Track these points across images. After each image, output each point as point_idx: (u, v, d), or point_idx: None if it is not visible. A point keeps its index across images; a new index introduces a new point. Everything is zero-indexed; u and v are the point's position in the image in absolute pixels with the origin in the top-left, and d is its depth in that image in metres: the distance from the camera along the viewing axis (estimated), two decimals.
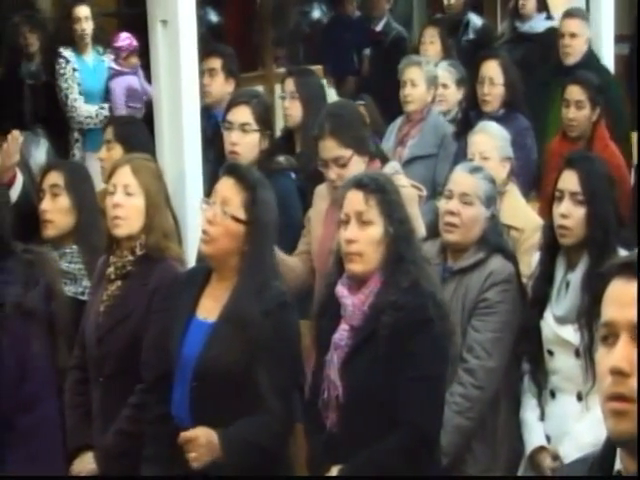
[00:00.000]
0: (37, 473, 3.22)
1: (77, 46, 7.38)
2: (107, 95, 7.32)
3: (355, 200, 3.42)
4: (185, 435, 3.38)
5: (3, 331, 3.10)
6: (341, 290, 3.45)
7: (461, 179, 4.13)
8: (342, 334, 3.42)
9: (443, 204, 4.10)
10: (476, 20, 8.33)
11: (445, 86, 6.54)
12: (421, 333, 3.33)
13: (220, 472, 3.41)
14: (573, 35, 6.81)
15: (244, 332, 3.44)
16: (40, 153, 5.42)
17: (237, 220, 3.52)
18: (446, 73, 6.56)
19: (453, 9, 8.38)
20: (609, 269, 1.93)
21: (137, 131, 5.17)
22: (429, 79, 6.25)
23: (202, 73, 5.90)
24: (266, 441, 3.47)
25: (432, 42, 7.38)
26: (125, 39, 7.30)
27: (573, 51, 6.80)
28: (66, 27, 7.41)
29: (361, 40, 8.83)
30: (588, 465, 2.00)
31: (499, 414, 4.02)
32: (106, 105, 7.23)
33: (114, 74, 7.28)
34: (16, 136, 4.59)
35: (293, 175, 5.01)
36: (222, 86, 5.91)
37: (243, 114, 4.74)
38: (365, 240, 3.40)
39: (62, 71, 7.29)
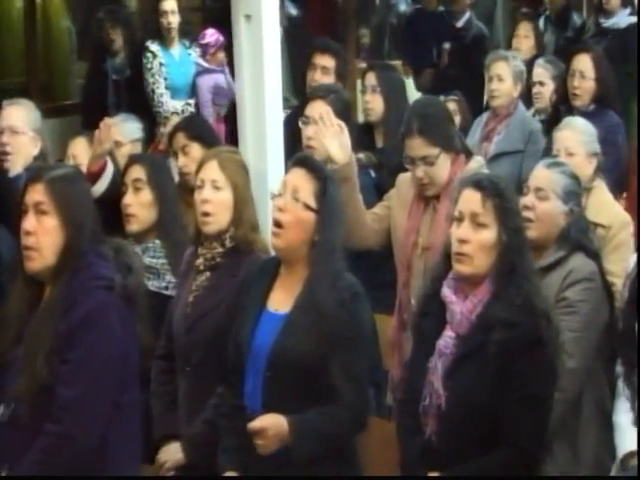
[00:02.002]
0: (133, 449, 3.33)
1: (164, 40, 7.41)
2: (193, 90, 7.34)
3: (472, 200, 3.38)
4: (254, 426, 3.40)
5: (115, 313, 3.19)
6: (449, 294, 3.41)
7: (537, 174, 4.10)
8: (447, 341, 3.38)
9: (521, 200, 4.04)
10: (576, 17, 8.25)
11: (542, 84, 6.45)
12: (533, 353, 3.28)
13: (287, 459, 3.41)
14: None
15: (319, 323, 3.45)
16: (135, 128, 5.53)
17: (308, 208, 3.53)
18: (542, 70, 6.46)
19: (555, 4, 8.29)
20: None
21: (204, 123, 5.24)
22: (516, 74, 6.20)
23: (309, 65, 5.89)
24: (337, 431, 3.48)
25: (527, 36, 7.34)
26: (212, 35, 7.31)
27: None
28: (153, 21, 7.45)
29: (441, 34, 8.79)
30: None
31: (581, 416, 3.96)
32: (192, 101, 7.26)
33: (201, 71, 7.30)
34: (108, 124, 4.61)
35: (372, 173, 4.97)
36: None
37: (319, 108, 4.72)
38: (477, 243, 3.35)
39: (149, 65, 7.33)
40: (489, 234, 3.36)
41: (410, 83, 8.83)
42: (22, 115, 4.81)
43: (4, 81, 8.30)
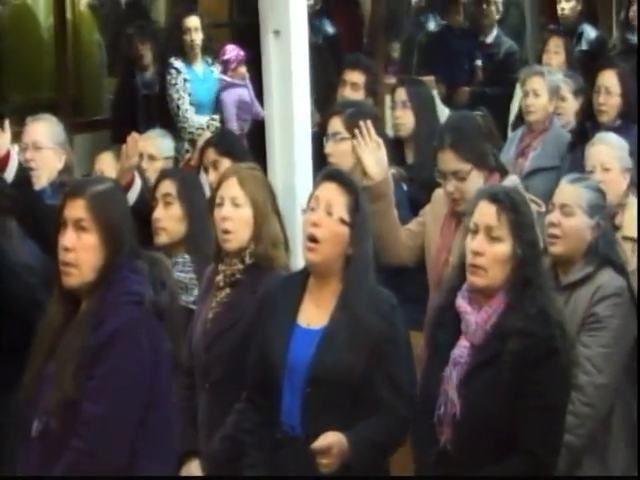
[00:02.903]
0: (164, 465, 3.28)
1: (187, 56, 7.44)
2: (217, 106, 7.37)
3: (487, 213, 3.38)
4: (319, 445, 3.39)
5: (144, 328, 3.16)
6: (463, 305, 3.41)
7: (561, 190, 4.10)
8: (462, 351, 3.39)
9: (547, 217, 4.05)
10: (590, 31, 8.25)
11: (563, 98, 6.43)
12: (547, 363, 3.29)
13: (343, 473, 3.42)
14: None
15: (360, 336, 3.46)
16: (170, 147, 5.57)
17: (343, 222, 3.53)
18: (563, 85, 6.45)
19: (567, 19, 8.28)
20: None
21: (234, 138, 5.26)
22: (552, 89, 6.18)
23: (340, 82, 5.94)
24: (389, 442, 3.51)
25: (556, 52, 7.33)
26: (232, 50, 7.33)
27: None
28: (176, 37, 7.49)
29: (472, 51, 8.79)
30: None
31: (611, 431, 3.94)
32: (217, 116, 7.29)
33: (225, 86, 7.32)
34: (135, 138, 4.64)
35: (405, 187, 4.97)
36: None
37: (335, 124, 4.76)
38: (491, 255, 3.36)
39: (173, 81, 7.36)
40: (504, 247, 3.36)
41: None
42: (45, 130, 4.84)
43: (34, 96, 8.36)
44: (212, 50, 7.55)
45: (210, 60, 7.52)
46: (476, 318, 3.38)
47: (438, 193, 4.43)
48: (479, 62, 8.68)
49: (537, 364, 3.28)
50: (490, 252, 3.36)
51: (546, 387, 3.28)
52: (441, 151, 4.23)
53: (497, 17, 8.89)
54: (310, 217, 3.57)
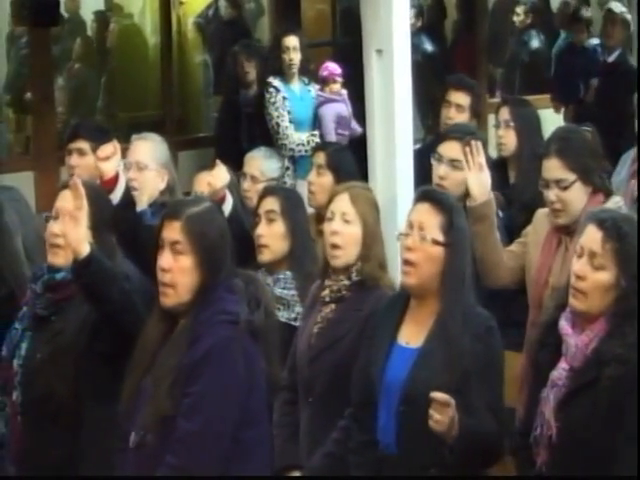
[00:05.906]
0: None
1: (285, 75, 7.50)
2: (315, 122, 7.40)
3: (593, 239, 3.30)
4: (440, 397, 3.30)
5: (238, 347, 3.19)
6: (565, 327, 3.36)
7: None
8: (561, 373, 3.34)
9: None
10: None
11: None
12: None
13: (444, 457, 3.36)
14: None
15: (454, 357, 3.43)
16: (275, 168, 5.60)
17: (436, 243, 3.52)
18: None
19: None
20: None
21: (348, 159, 5.27)
22: None
23: (443, 102, 5.90)
24: (487, 446, 3.42)
25: None
26: (325, 68, 7.36)
27: None
28: (276, 56, 7.56)
29: (591, 69, 8.68)
30: None
31: None
32: (317, 132, 7.32)
33: (323, 101, 7.35)
34: (219, 163, 4.70)
35: (500, 213, 4.92)
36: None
37: (453, 150, 4.68)
38: (593, 281, 3.28)
39: (272, 100, 7.40)
40: (606, 276, 3.28)
41: (559, 118, 8.76)
42: (148, 150, 4.85)
43: (141, 114, 8.53)
44: (309, 70, 7.57)
45: (307, 80, 7.55)
46: (576, 341, 3.32)
47: (540, 213, 4.38)
48: (595, 81, 8.55)
49: (633, 391, 3.20)
50: (592, 278, 3.29)
51: None
52: (547, 159, 4.19)
53: (622, 37, 8.74)
54: (405, 242, 3.57)
